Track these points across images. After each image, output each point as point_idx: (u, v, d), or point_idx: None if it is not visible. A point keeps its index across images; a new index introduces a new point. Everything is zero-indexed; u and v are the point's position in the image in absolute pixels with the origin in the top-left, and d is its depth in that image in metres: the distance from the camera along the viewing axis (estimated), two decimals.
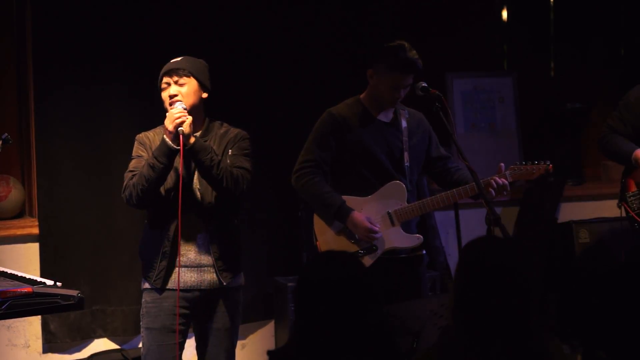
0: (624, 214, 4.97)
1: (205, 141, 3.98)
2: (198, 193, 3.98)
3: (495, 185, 4.20)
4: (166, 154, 3.87)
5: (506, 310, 2.53)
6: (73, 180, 5.20)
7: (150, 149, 3.99)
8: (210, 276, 4.00)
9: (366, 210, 4.25)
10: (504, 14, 6.43)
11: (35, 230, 5.16)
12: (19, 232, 5.18)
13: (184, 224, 3.93)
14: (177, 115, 3.85)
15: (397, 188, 4.28)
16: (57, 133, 5.17)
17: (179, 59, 4.04)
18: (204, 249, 3.99)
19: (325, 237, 4.29)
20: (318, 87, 5.55)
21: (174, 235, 3.94)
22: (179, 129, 3.83)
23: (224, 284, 4.01)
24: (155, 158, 3.87)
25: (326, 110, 4.35)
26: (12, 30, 5.38)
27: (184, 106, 3.91)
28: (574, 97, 6.46)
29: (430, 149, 4.42)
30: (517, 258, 2.59)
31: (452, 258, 5.65)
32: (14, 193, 5.33)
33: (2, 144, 3.93)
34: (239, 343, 5.46)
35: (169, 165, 3.89)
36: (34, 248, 5.16)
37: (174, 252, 3.94)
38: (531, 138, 6.31)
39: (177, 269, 3.95)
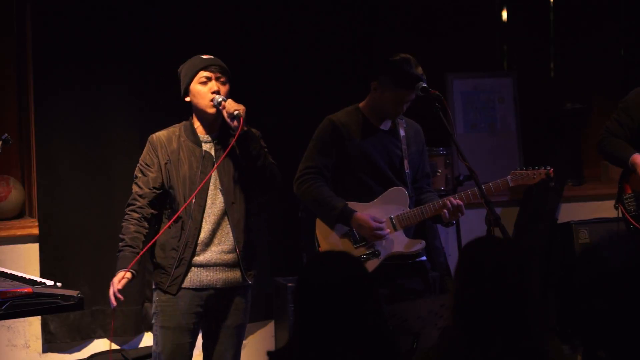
0: (620, 215, 5.00)
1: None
2: (220, 193, 3.96)
3: (449, 205, 4.14)
4: None
5: (506, 310, 2.54)
6: (73, 180, 5.20)
7: (168, 157, 3.92)
8: (233, 275, 3.98)
9: None
10: (504, 14, 6.42)
11: (35, 231, 5.16)
12: (19, 232, 5.18)
13: (208, 224, 3.93)
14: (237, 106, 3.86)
15: (399, 194, 4.27)
16: (57, 133, 5.17)
17: (211, 56, 4.02)
18: (229, 248, 3.96)
19: (328, 243, 4.28)
20: (319, 88, 5.56)
21: (192, 236, 3.91)
22: (236, 112, 3.83)
23: (249, 282, 4.02)
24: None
25: (326, 117, 4.34)
26: (12, 30, 5.39)
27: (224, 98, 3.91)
28: (574, 97, 6.46)
29: (421, 162, 4.42)
30: (517, 258, 2.60)
31: (452, 258, 5.65)
32: (14, 193, 5.33)
33: (2, 144, 3.93)
34: None
35: None
36: (34, 248, 5.16)
37: (191, 255, 3.92)
38: (531, 138, 6.31)
39: (194, 269, 3.94)
